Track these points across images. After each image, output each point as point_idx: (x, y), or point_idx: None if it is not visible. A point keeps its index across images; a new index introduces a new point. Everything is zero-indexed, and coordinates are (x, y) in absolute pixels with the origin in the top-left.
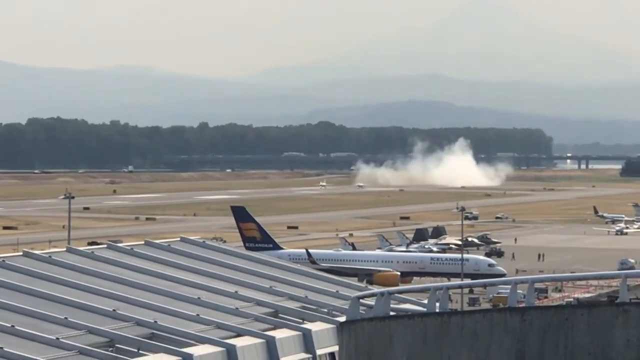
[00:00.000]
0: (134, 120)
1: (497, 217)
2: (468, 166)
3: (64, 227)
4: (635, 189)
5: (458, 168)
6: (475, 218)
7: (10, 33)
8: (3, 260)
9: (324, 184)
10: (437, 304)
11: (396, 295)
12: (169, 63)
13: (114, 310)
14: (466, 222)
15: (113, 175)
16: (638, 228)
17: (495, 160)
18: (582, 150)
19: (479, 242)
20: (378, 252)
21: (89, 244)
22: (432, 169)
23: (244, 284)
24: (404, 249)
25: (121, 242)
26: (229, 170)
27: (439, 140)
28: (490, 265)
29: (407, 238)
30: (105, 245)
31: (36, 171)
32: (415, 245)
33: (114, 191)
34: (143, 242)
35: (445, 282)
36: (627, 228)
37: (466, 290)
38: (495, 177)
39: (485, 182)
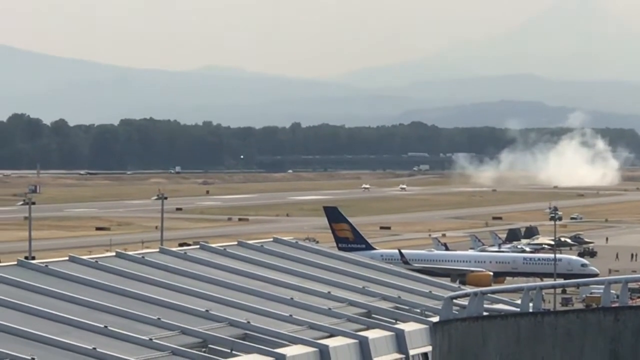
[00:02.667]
0: (226, 121)
1: (571, 218)
2: (576, 165)
3: (156, 227)
4: None
5: (565, 166)
6: (560, 219)
7: (103, 34)
8: (96, 261)
9: (367, 186)
10: (530, 304)
11: (489, 295)
12: (261, 63)
13: (206, 310)
14: (558, 222)
15: (205, 176)
16: None
17: (609, 160)
18: None
19: (572, 242)
20: (471, 252)
21: (180, 245)
22: (533, 168)
23: (336, 285)
24: (496, 249)
25: (207, 243)
26: (321, 171)
27: (531, 140)
28: (583, 265)
29: (499, 238)
30: (198, 246)
31: (82, 172)
32: (508, 246)
33: (207, 192)
34: (236, 243)
35: (538, 282)
36: None
37: (559, 290)
38: (607, 176)
39: (598, 182)
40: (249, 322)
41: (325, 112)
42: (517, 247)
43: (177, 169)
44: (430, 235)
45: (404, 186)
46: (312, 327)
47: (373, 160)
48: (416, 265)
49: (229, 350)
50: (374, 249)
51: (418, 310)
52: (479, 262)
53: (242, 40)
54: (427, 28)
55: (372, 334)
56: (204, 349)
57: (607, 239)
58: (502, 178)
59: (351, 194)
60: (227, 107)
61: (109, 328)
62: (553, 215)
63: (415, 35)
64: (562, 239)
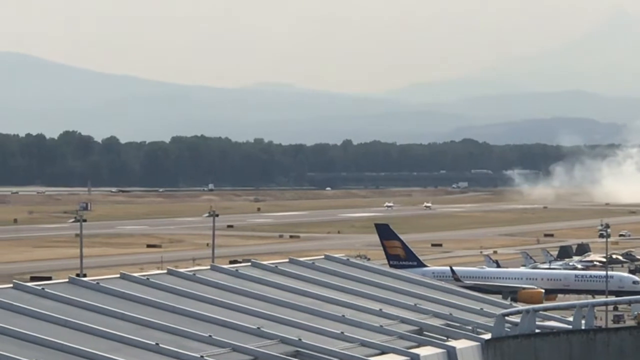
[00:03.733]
0: (277, 138)
1: (620, 235)
2: (634, 180)
3: (207, 245)
4: None
5: (621, 182)
6: (608, 236)
7: (155, 52)
8: (147, 278)
9: (390, 204)
10: (583, 322)
11: (541, 312)
12: (311, 80)
13: (258, 328)
14: (609, 239)
15: (256, 193)
16: None
17: None
18: None
19: (624, 260)
20: (522, 269)
21: (230, 262)
22: (587, 185)
23: (388, 302)
24: (547, 266)
25: (258, 260)
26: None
27: (582, 157)
28: (635, 282)
29: (551, 255)
30: (249, 263)
31: (113, 190)
32: (559, 263)
33: (258, 209)
34: (287, 260)
35: (590, 300)
36: None
37: (610, 307)
38: None
39: None
40: (300, 340)
41: (377, 129)
42: (568, 264)
43: (211, 186)
44: (481, 252)
45: (429, 204)
46: (364, 344)
47: (425, 177)
48: (467, 282)
49: None
50: (426, 266)
51: (470, 328)
52: (530, 279)
53: (294, 57)
54: (480, 44)
55: (423, 351)
56: None
57: None
58: (555, 195)
59: (403, 211)
60: (278, 124)
61: (160, 345)
62: (602, 232)
63: (467, 52)
64: (614, 256)
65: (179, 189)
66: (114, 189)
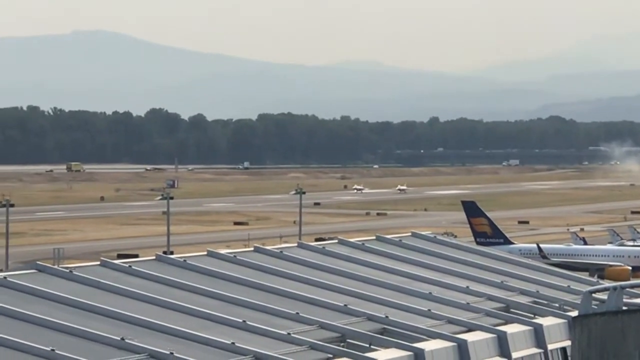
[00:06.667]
0: (363, 116)
1: None
2: None
3: (294, 222)
4: None
5: None
6: None
7: (241, 29)
8: (235, 256)
9: (360, 187)
10: None
11: (628, 290)
12: (397, 57)
13: (345, 305)
14: None
15: (342, 171)
16: None
17: None
18: None
19: None
20: (609, 246)
21: (316, 239)
22: None
23: (475, 279)
24: (634, 243)
25: (345, 237)
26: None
27: None
28: None
29: (638, 232)
30: (336, 241)
31: (148, 168)
32: None
33: (345, 186)
34: (374, 237)
35: None
36: None
37: None
38: None
39: None
40: (387, 317)
41: (463, 107)
42: None
43: (246, 164)
44: (568, 229)
45: (403, 187)
46: (451, 321)
47: (510, 155)
48: (554, 259)
49: (368, 345)
50: (513, 243)
51: (557, 305)
52: (617, 256)
53: (379, 35)
54: (566, 22)
55: (510, 329)
56: (342, 344)
57: None
58: None
59: (489, 188)
60: (364, 101)
61: (248, 323)
62: None
63: (554, 29)
64: None
65: (265, 167)
66: (148, 167)
